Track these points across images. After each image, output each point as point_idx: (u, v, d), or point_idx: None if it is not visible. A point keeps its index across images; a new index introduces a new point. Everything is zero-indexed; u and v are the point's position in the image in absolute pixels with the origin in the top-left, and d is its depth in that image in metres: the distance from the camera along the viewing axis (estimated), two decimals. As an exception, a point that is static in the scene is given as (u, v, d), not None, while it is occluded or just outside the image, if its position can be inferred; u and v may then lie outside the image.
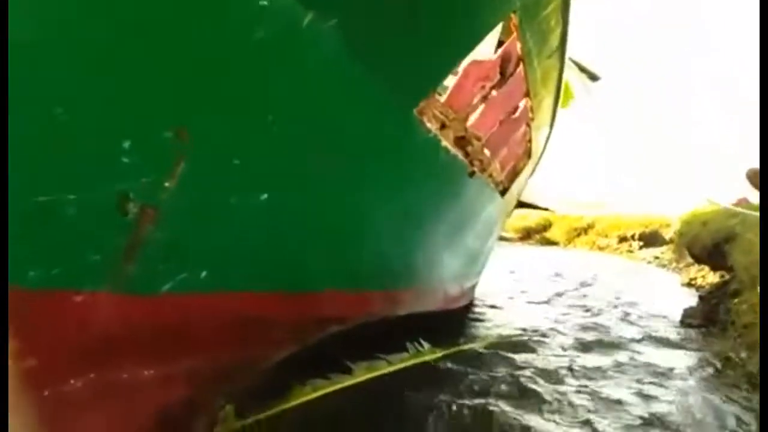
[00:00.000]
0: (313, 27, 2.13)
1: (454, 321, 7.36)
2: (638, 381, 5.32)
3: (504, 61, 3.72)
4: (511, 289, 11.39)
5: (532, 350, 6.34)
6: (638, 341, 7.19)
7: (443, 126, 3.49)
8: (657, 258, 19.59)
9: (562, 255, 22.13)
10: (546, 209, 13.02)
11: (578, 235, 27.12)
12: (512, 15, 3.15)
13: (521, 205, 11.33)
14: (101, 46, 1.72)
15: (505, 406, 4.38)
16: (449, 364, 5.41)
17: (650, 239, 22.70)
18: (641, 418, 4.35)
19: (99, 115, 1.78)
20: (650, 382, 5.27)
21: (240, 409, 3.73)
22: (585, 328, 7.94)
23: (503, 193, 6.09)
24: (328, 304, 3.54)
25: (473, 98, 3.76)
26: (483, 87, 3.75)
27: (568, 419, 4.31)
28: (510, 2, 3.08)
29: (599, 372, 5.60)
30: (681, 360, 6.30)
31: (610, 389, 5.02)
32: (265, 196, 2.44)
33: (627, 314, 9.22)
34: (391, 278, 4.64)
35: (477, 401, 4.41)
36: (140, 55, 1.79)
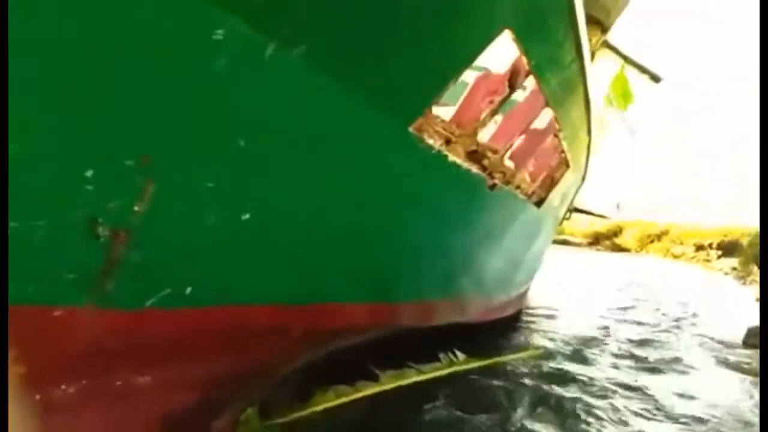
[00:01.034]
0: (278, 56, 2.17)
1: (497, 331, 7.21)
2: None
3: (513, 74, 3.66)
4: (567, 297, 11.07)
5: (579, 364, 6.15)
6: (696, 360, 6.89)
7: (449, 141, 3.47)
8: (735, 269, 18.42)
9: (632, 262, 21.20)
10: (601, 216, 12.63)
11: (651, 241, 25.89)
12: (507, 30, 3.09)
13: (576, 211, 11.03)
14: (57, 79, 1.79)
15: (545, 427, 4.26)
16: (482, 376, 5.33)
17: (729, 249, 21.33)
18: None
19: (57, 147, 1.86)
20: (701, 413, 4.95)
21: (263, 414, 3.87)
22: (640, 343, 7.65)
23: (540, 203, 5.95)
24: (335, 315, 3.57)
25: (481, 113, 3.72)
26: (491, 101, 3.70)
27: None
28: (495, 20, 3.01)
29: (647, 391, 5.36)
30: (735, 384, 5.94)
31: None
32: (247, 216, 2.50)
33: (690, 332, 8.82)
34: (419, 289, 4.63)
35: (510, 420, 4.28)
36: (98, 89, 1.87)
